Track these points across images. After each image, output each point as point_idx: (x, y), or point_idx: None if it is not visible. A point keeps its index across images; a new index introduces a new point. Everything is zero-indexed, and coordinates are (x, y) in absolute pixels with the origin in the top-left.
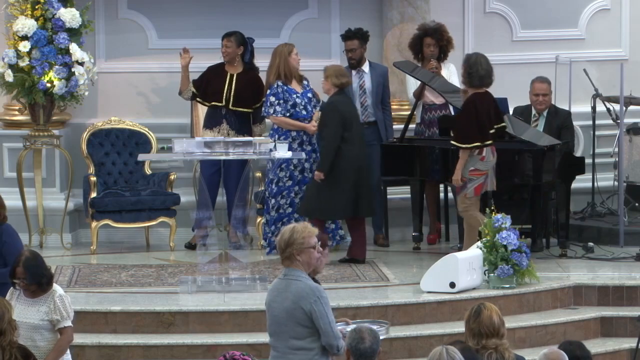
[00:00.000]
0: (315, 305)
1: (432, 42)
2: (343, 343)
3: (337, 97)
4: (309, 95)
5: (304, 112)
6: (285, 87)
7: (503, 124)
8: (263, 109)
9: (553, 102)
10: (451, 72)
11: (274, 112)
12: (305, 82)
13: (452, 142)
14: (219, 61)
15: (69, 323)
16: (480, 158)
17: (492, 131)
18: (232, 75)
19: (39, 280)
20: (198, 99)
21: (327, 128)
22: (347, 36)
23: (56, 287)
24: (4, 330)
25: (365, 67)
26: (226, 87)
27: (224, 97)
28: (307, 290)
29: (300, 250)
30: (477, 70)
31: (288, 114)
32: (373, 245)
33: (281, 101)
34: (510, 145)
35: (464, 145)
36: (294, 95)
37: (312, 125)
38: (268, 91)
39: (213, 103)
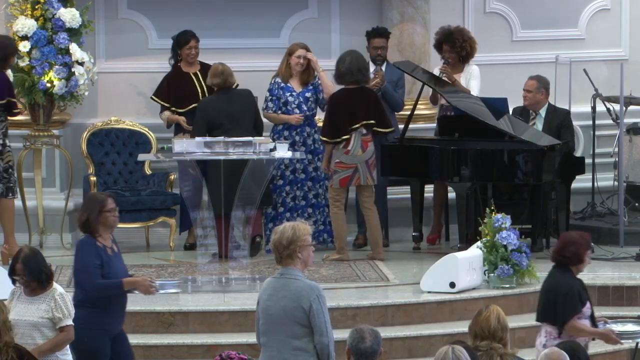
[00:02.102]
0: (314, 303)
1: (447, 49)
2: (333, 353)
3: (211, 97)
4: (308, 94)
5: (296, 111)
6: (281, 85)
7: (372, 120)
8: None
9: (553, 102)
10: (471, 75)
11: (266, 107)
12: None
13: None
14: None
15: (70, 322)
16: (344, 152)
17: (356, 126)
18: (196, 74)
19: (38, 277)
20: (173, 107)
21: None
22: (378, 33)
23: (56, 286)
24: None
25: (384, 66)
26: (197, 86)
27: (201, 96)
28: (307, 289)
29: (302, 248)
30: (338, 68)
31: (280, 111)
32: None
33: (274, 98)
34: (510, 145)
35: (322, 138)
36: (287, 94)
37: (295, 117)
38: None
39: (193, 105)
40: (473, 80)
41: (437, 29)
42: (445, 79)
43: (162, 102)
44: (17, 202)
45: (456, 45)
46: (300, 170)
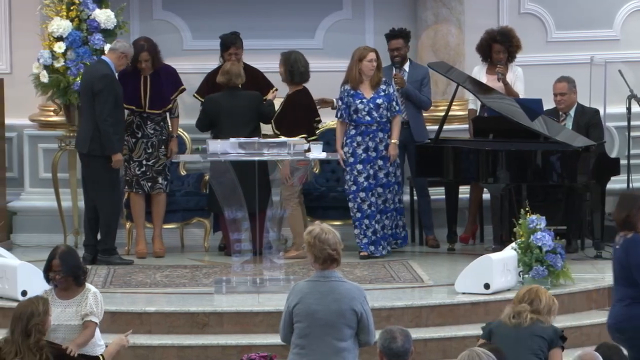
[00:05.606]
0: (363, 305)
1: (500, 49)
2: None
3: (216, 94)
4: (379, 101)
5: (367, 118)
6: (351, 92)
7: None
8: None
9: (588, 103)
10: (517, 77)
11: (339, 115)
12: (382, 87)
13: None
14: (245, 62)
15: (95, 319)
16: None
17: (319, 121)
18: None
19: (75, 273)
20: None
21: (197, 119)
22: (393, 35)
23: (89, 286)
24: (29, 330)
25: (406, 67)
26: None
27: None
28: (356, 290)
29: (340, 251)
30: (298, 68)
31: (350, 119)
32: (418, 247)
33: (344, 105)
34: (545, 146)
35: (305, 136)
36: (357, 101)
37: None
38: None
39: None
40: (519, 82)
41: (484, 31)
42: (501, 81)
43: (199, 98)
44: (53, 203)
45: (512, 45)
46: (372, 177)
